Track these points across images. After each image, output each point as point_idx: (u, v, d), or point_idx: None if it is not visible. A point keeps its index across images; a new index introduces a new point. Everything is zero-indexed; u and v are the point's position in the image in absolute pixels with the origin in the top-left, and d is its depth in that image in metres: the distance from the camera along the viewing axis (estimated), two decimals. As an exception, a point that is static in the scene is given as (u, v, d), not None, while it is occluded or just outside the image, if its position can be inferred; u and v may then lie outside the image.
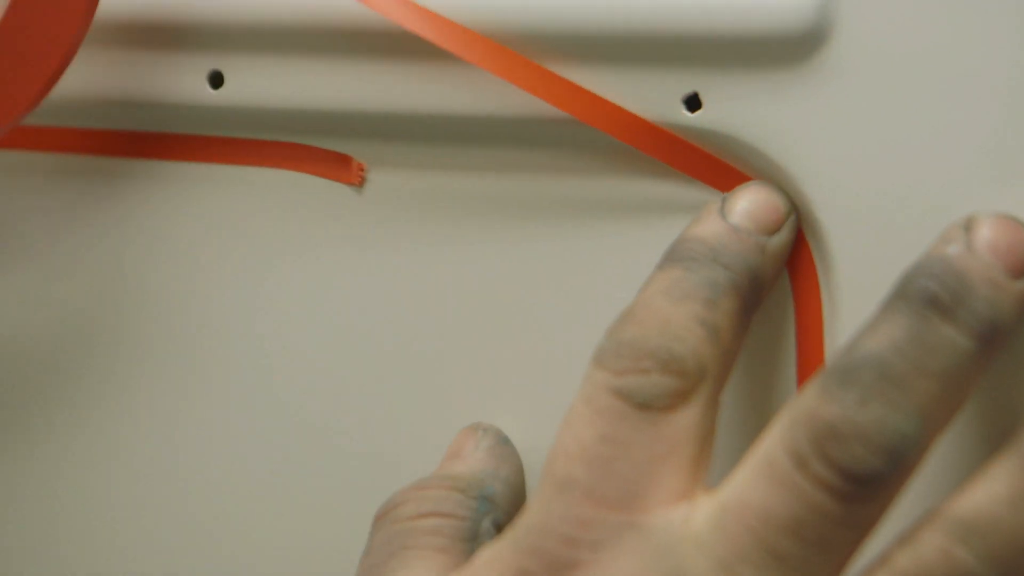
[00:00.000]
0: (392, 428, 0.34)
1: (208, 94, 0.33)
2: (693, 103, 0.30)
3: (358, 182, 0.33)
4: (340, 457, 0.34)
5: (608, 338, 0.27)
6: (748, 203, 0.29)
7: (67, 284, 0.36)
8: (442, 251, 0.33)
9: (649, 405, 0.26)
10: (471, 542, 0.29)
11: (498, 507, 0.30)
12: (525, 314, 0.32)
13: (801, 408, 0.25)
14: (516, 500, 0.31)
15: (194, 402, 0.36)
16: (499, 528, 0.30)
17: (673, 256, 0.28)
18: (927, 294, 0.25)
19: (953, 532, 0.24)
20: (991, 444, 0.28)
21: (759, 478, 0.25)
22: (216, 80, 0.33)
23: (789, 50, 0.29)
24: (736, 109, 0.29)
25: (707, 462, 0.26)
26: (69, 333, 0.37)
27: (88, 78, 0.34)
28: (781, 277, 0.30)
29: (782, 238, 0.29)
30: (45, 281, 0.37)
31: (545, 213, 0.32)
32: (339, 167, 0.33)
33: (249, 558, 0.36)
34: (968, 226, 0.26)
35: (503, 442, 0.32)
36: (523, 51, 0.31)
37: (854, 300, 0.29)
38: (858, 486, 0.24)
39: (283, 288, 0.34)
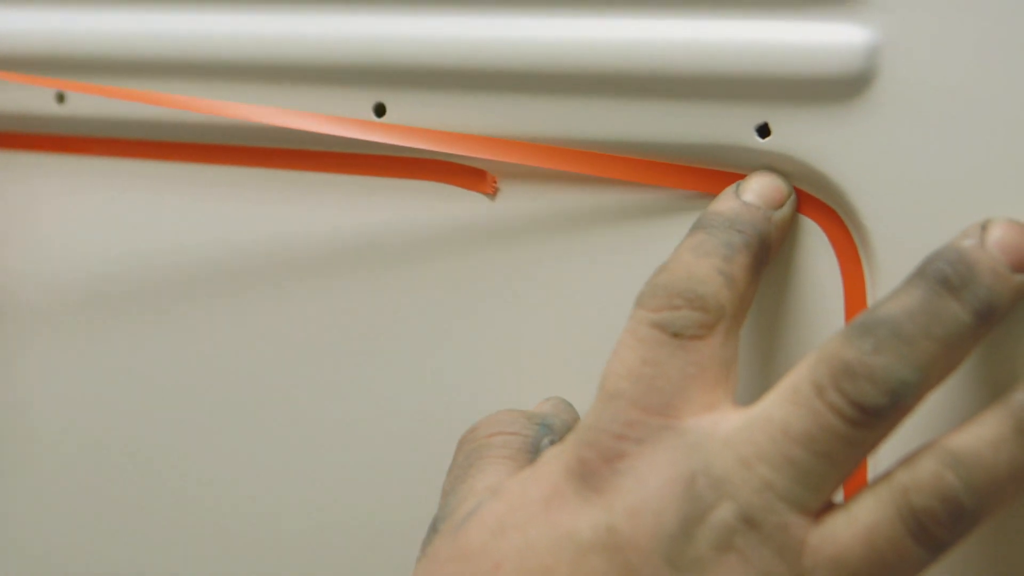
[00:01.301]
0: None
1: (373, 121, 0.36)
2: (764, 131, 0.32)
3: (492, 192, 0.36)
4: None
5: (647, 285, 0.30)
6: (758, 185, 0.32)
7: (238, 264, 0.39)
8: (565, 250, 0.35)
9: (680, 334, 0.29)
10: (533, 454, 0.32)
11: (556, 433, 0.33)
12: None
13: (826, 350, 0.27)
14: None
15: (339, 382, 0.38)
16: None
17: (698, 225, 0.31)
18: (941, 275, 0.28)
19: (945, 460, 0.27)
20: (987, 400, 0.30)
21: (784, 400, 0.27)
22: (380, 110, 0.36)
23: (843, 88, 0.31)
24: (799, 136, 0.32)
25: (732, 383, 0.29)
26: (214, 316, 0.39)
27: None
28: (833, 269, 0.33)
29: (784, 212, 0.32)
30: (225, 262, 0.39)
31: (658, 224, 0.34)
32: (476, 179, 0.36)
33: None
34: (985, 226, 0.28)
35: (565, 402, 0.36)
36: (623, 90, 0.33)
37: (890, 286, 0.29)
38: (863, 414, 0.27)
39: (429, 278, 0.36)
